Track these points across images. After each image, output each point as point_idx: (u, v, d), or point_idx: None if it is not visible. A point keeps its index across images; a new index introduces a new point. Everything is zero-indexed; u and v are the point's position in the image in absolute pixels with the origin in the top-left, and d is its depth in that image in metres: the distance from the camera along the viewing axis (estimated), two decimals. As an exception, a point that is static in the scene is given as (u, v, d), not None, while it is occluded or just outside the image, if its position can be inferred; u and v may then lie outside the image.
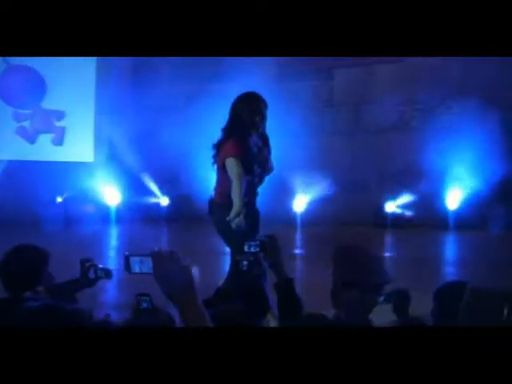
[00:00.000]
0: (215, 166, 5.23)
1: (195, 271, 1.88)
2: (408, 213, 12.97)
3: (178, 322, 1.89)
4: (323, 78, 13.50)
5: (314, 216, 13.09)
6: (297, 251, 10.44)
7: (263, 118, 5.26)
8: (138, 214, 13.49)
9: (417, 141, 12.74)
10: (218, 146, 5.22)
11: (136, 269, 1.95)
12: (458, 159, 12.20)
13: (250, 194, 5.24)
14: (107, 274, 3.63)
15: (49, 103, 14.33)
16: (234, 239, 4.90)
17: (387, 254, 10.14)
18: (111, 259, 9.18)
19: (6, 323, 2.20)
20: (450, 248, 11.87)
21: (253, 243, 3.09)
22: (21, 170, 13.21)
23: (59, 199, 14.01)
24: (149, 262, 1.91)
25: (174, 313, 1.88)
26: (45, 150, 14.30)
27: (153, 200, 14.39)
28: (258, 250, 3.06)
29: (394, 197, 13.19)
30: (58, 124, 14.45)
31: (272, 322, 4.46)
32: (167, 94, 13.84)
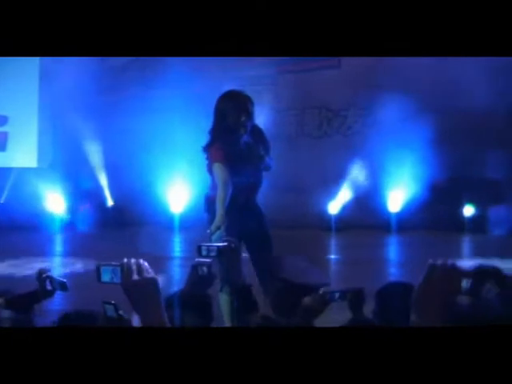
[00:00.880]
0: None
1: (160, 282, 1.91)
2: (351, 215, 13.18)
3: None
4: (267, 83, 13.62)
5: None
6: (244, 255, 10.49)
7: (249, 114, 5.07)
8: (81, 220, 13.37)
9: (359, 144, 13.03)
10: (207, 150, 5.08)
11: (106, 278, 1.99)
12: (399, 162, 12.49)
13: (245, 194, 5.10)
14: (62, 286, 3.55)
15: (-10, 108, 14.09)
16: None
17: (332, 257, 10.33)
18: (56, 268, 9.10)
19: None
20: (393, 250, 12.14)
21: (211, 247, 3.05)
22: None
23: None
24: (118, 271, 1.95)
25: (138, 322, 1.90)
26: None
27: (96, 205, 14.22)
28: (215, 254, 3.02)
29: (337, 200, 13.40)
30: (0, 129, 14.22)
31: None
32: (111, 98, 13.74)
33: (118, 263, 1.96)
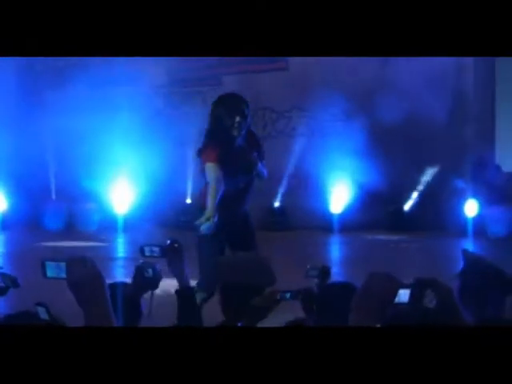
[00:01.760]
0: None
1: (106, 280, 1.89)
2: (293, 216, 13.29)
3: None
4: (211, 84, 13.62)
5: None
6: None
7: (244, 118, 5.08)
8: (23, 220, 13.15)
9: (303, 146, 13.17)
10: (201, 152, 5.11)
11: (51, 273, 1.95)
12: (341, 164, 12.65)
13: (235, 195, 5.13)
14: (13, 282, 3.50)
15: None
16: None
17: (275, 257, 10.39)
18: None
19: None
20: (335, 249, 12.31)
21: (154, 247, 3.00)
22: None
23: None
24: (63, 267, 1.91)
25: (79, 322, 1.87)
26: None
27: (39, 205, 13.98)
28: (159, 254, 2.98)
29: (281, 200, 13.50)
30: None
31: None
32: (52, 97, 13.54)
33: (63, 259, 1.93)
